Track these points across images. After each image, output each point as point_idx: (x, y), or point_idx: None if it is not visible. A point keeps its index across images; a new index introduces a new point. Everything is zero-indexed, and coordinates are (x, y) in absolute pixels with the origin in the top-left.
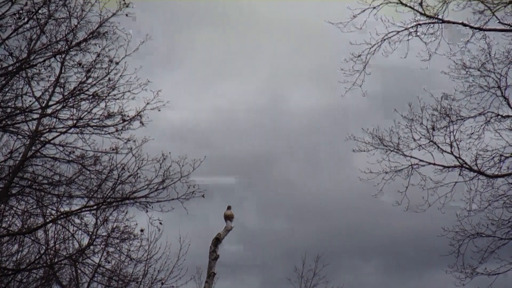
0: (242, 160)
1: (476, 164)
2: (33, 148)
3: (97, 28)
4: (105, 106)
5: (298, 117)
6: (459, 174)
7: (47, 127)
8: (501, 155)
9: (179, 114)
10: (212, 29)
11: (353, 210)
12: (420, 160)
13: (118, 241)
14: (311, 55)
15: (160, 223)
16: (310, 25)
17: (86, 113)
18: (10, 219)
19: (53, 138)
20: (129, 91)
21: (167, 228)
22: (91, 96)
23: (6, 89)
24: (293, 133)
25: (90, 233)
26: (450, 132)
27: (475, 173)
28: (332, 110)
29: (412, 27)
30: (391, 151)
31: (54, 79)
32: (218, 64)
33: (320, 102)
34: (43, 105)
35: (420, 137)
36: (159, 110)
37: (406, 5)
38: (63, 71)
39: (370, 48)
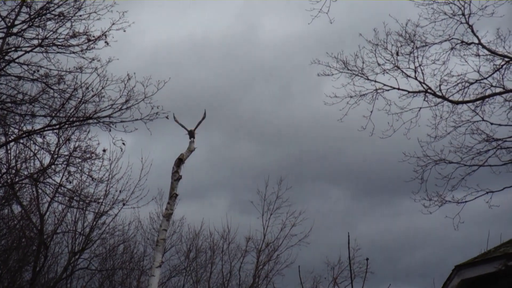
0: (214, 86)
1: (440, 90)
2: None
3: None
4: (71, 26)
5: (271, 45)
6: (424, 100)
7: (11, 46)
8: (465, 82)
9: (153, 39)
10: None
11: (319, 135)
12: (385, 85)
13: (80, 160)
14: None
15: (123, 143)
16: None
17: (51, 32)
18: None
19: (18, 57)
20: (95, 12)
21: (130, 149)
22: (57, 16)
23: None
24: (266, 61)
25: (52, 152)
26: (415, 58)
27: (440, 99)
28: (305, 37)
29: None
30: (356, 75)
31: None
32: None
33: (293, 30)
34: (9, 24)
35: (385, 62)
36: (125, 31)
37: None
38: None
39: None
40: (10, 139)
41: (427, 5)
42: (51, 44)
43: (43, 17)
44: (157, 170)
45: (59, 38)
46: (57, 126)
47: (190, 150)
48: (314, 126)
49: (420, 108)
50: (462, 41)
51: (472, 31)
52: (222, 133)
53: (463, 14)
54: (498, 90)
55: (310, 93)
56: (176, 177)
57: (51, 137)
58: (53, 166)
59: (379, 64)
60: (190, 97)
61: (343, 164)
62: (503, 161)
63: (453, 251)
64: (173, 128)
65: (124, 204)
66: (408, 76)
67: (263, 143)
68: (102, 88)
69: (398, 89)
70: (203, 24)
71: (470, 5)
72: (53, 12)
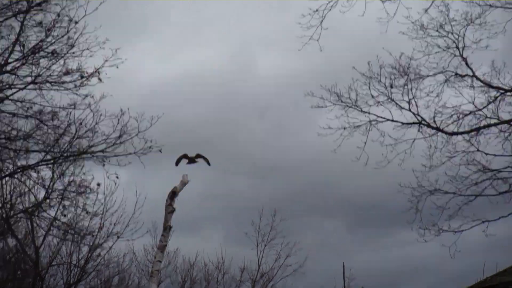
0: (208, 121)
1: (434, 121)
2: None
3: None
4: (64, 63)
5: (266, 81)
6: (418, 131)
7: (5, 84)
8: (460, 113)
9: (149, 77)
10: None
11: (314, 167)
12: (378, 116)
13: (74, 194)
14: (279, 18)
15: (117, 177)
16: None
17: (44, 70)
18: None
19: (11, 94)
20: (87, 49)
21: (124, 183)
22: (50, 54)
23: None
24: (261, 97)
25: (47, 187)
26: (408, 90)
27: (434, 130)
28: (299, 72)
29: None
30: (349, 107)
31: (14, 38)
32: (190, 30)
33: (287, 66)
34: (2, 62)
35: (379, 94)
36: (117, 67)
37: None
38: (23, 30)
39: (327, 3)
40: (5, 174)
41: (421, 39)
42: (44, 81)
43: (36, 54)
44: (151, 203)
45: (52, 75)
46: (52, 161)
47: (184, 183)
48: (308, 158)
49: (414, 139)
50: (456, 74)
51: (466, 63)
52: (217, 167)
53: (457, 47)
54: (493, 121)
55: (305, 126)
56: (169, 210)
57: (46, 172)
58: (47, 200)
59: (373, 96)
60: (184, 133)
61: (337, 196)
62: (499, 191)
63: (450, 280)
64: (167, 162)
65: (118, 237)
66: (402, 108)
67: (258, 177)
68: (96, 123)
69: (392, 120)
70: (198, 61)
71: (464, 38)
72: (46, 50)
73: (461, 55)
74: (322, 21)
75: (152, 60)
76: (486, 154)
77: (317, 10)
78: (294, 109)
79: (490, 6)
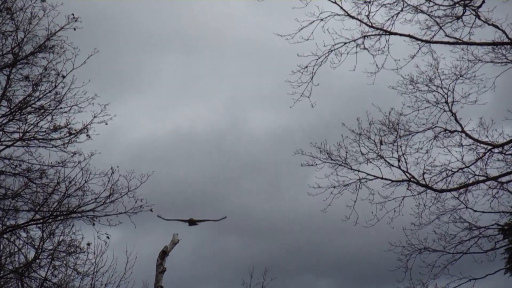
0: (200, 180)
1: (423, 179)
2: None
3: (45, 41)
4: (52, 119)
5: (258, 138)
6: (407, 189)
7: None
8: (448, 170)
9: (139, 134)
10: (177, 53)
11: (304, 226)
12: (368, 174)
13: (64, 254)
14: (269, 73)
15: (107, 237)
16: (265, 43)
17: (32, 126)
18: None
19: None
20: (76, 104)
21: (114, 242)
22: (37, 109)
23: None
24: (253, 155)
25: (36, 247)
26: (398, 147)
27: (423, 188)
28: (290, 129)
29: (359, 38)
30: (339, 165)
31: (0, 93)
32: (181, 87)
33: (278, 122)
34: None
35: (368, 151)
36: (106, 124)
37: (353, 17)
38: (9, 84)
39: (317, 60)
40: None
41: (410, 93)
42: (32, 138)
43: (24, 110)
44: (142, 263)
45: (40, 132)
46: (41, 221)
47: (174, 243)
48: (299, 217)
49: (404, 197)
50: (446, 129)
51: (456, 119)
52: (208, 226)
53: (446, 102)
54: (481, 178)
55: (295, 185)
56: (160, 270)
57: (35, 232)
58: (37, 261)
59: (362, 154)
60: (175, 191)
61: (328, 254)
62: (484, 250)
63: None
64: (158, 221)
65: None
66: (391, 165)
67: (249, 236)
68: (85, 182)
69: (382, 178)
70: (189, 119)
71: (453, 93)
72: (34, 105)
73: (451, 110)
74: (312, 77)
75: (142, 117)
76: (475, 211)
77: (307, 67)
78: (285, 166)
79: (480, 60)
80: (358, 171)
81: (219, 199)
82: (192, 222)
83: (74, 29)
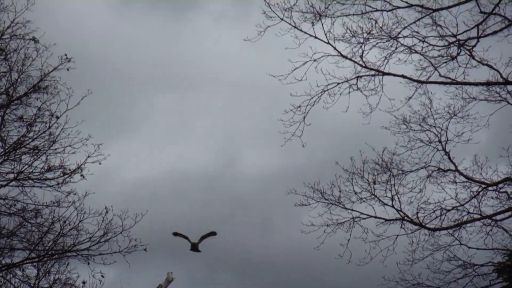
0: (193, 219)
1: (417, 217)
2: None
3: (38, 82)
4: (46, 159)
5: (250, 176)
6: (401, 227)
7: None
8: (442, 208)
9: (133, 174)
10: (170, 93)
11: (297, 264)
12: (361, 213)
13: None
14: (262, 112)
15: (102, 276)
16: (258, 83)
17: (26, 166)
18: None
19: None
20: (70, 145)
21: (109, 281)
22: (32, 150)
23: None
24: (246, 194)
25: (32, 285)
26: (391, 186)
27: (417, 226)
28: (283, 168)
29: (352, 79)
30: (332, 204)
31: None
32: (175, 127)
33: (271, 161)
34: None
35: (362, 191)
36: (100, 164)
37: (346, 58)
38: (3, 125)
39: (310, 99)
40: None
41: (404, 133)
42: (26, 178)
43: (18, 150)
44: None
45: (34, 172)
46: (37, 259)
47: (169, 281)
48: (292, 255)
49: (397, 235)
50: (439, 168)
51: (449, 158)
52: (201, 264)
53: (439, 141)
54: (475, 216)
55: (288, 223)
56: None
57: (31, 270)
58: None
59: (355, 193)
60: (169, 230)
61: None
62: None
63: None
64: (152, 259)
65: None
66: (385, 204)
67: (243, 273)
68: (80, 221)
69: (375, 217)
70: (183, 158)
71: (446, 132)
72: (28, 146)
73: (444, 149)
74: (304, 117)
75: (136, 156)
76: (469, 247)
77: (299, 107)
78: (278, 205)
79: (474, 98)
80: (352, 210)
81: (211, 238)
82: (195, 248)
83: (67, 70)
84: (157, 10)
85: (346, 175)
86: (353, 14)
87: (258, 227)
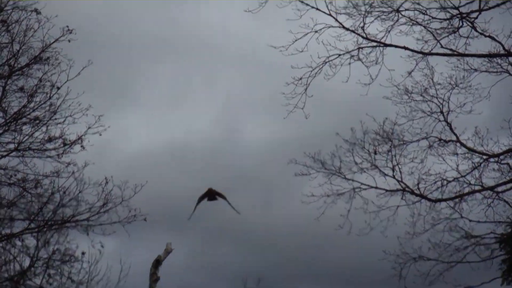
0: (193, 190)
1: (418, 188)
2: None
3: (40, 53)
4: (47, 130)
5: (252, 147)
6: (402, 198)
7: None
8: (443, 179)
9: (133, 145)
10: (171, 63)
11: (297, 235)
12: (362, 184)
13: (59, 263)
14: (263, 83)
15: (102, 246)
16: (259, 54)
17: (27, 137)
18: None
19: None
20: (70, 115)
21: (109, 251)
22: (32, 120)
23: None
24: (247, 164)
25: (32, 255)
26: (392, 156)
27: (418, 197)
28: (284, 139)
29: (354, 50)
30: (333, 174)
31: None
32: (175, 96)
33: (273, 131)
34: None
35: (362, 161)
36: (100, 135)
37: (348, 29)
38: (5, 95)
39: (311, 71)
40: None
41: (405, 103)
42: (27, 149)
43: (19, 121)
44: (136, 272)
45: (35, 142)
46: (36, 230)
47: (168, 252)
48: (293, 226)
49: (398, 206)
50: (440, 139)
51: (451, 128)
52: (201, 237)
53: (441, 112)
54: (476, 187)
55: (289, 194)
56: (154, 278)
57: (30, 241)
58: (33, 269)
59: (356, 163)
60: (169, 201)
61: (322, 263)
62: (481, 258)
63: None
64: (152, 230)
65: None
66: (386, 175)
67: (243, 246)
68: (80, 192)
69: (376, 188)
70: (183, 130)
71: (448, 102)
72: (29, 116)
73: (446, 120)
74: (306, 89)
75: (136, 127)
76: (470, 221)
77: (301, 79)
78: (279, 176)
79: (475, 70)
80: (352, 180)
81: (212, 209)
82: (211, 196)
83: (69, 41)
84: None
85: (347, 146)
86: None
87: (258, 199)
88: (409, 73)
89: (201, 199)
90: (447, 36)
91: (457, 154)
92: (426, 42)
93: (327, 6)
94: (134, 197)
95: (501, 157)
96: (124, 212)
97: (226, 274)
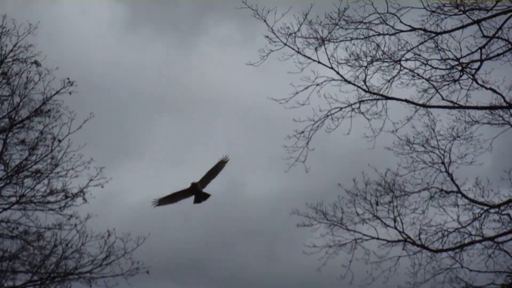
0: (196, 243)
1: (419, 239)
2: None
3: (40, 105)
4: (48, 183)
5: (254, 200)
6: (403, 249)
7: None
8: (444, 230)
9: (136, 198)
10: (171, 117)
11: (300, 285)
12: (364, 235)
13: None
14: (264, 136)
15: None
16: (259, 105)
17: (29, 190)
18: None
19: None
20: (72, 168)
21: None
22: (34, 173)
23: None
24: (250, 217)
25: None
26: (394, 207)
27: (419, 248)
28: (286, 193)
29: (355, 103)
30: (335, 225)
31: None
32: (176, 151)
33: (275, 184)
34: None
35: (364, 212)
36: (102, 187)
37: (350, 82)
38: (6, 148)
39: (313, 125)
40: None
41: (407, 154)
42: (29, 201)
43: (20, 174)
44: None
45: (36, 195)
46: (39, 282)
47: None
48: (294, 277)
49: (399, 257)
50: (442, 190)
51: (452, 179)
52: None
53: (442, 163)
54: (477, 238)
55: (291, 246)
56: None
57: None
58: None
59: (358, 214)
60: (171, 254)
61: None
62: None
63: None
64: (155, 283)
65: None
66: (387, 225)
67: None
68: (82, 244)
69: (377, 238)
70: (184, 183)
71: (450, 153)
72: (30, 169)
73: (447, 171)
74: (308, 142)
75: (138, 180)
76: (470, 270)
77: (303, 132)
78: (281, 228)
79: (477, 122)
80: (354, 231)
81: (215, 262)
82: (198, 197)
83: (70, 93)
84: (162, 35)
85: (349, 197)
86: (356, 38)
87: (262, 250)
88: (408, 120)
89: (182, 194)
90: (447, 85)
91: (458, 205)
92: (426, 91)
93: (328, 59)
94: (136, 250)
95: (502, 207)
96: (127, 264)
97: None
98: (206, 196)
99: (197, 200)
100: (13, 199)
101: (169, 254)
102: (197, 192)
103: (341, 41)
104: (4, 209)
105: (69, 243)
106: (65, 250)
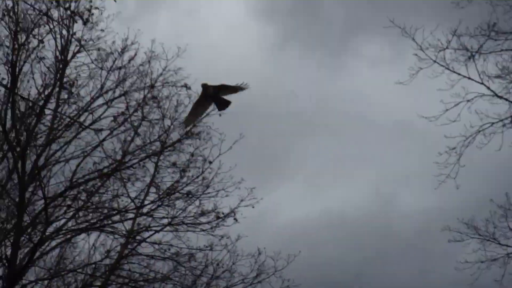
0: (348, 261)
1: None
2: (129, 246)
3: (191, 128)
4: (199, 204)
5: (406, 218)
6: None
7: (142, 226)
8: None
9: (287, 217)
10: (322, 136)
11: None
12: None
13: None
14: (414, 155)
15: None
16: (408, 122)
17: (180, 211)
18: None
19: (148, 237)
20: (223, 189)
21: None
22: (185, 195)
23: (103, 191)
24: (403, 233)
25: None
26: None
27: None
28: (439, 207)
29: (507, 118)
30: (487, 240)
31: (149, 180)
32: (327, 170)
33: (426, 200)
34: (138, 205)
35: None
36: (253, 207)
37: (501, 97)
38: (157, 171)
39: (464, 141)
40: None
41: None
42: (180, 223)
43: (172, 196)
44: None
45: (188, 217)
46: None
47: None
48: None
49: None
50: None
51: None
52: None
53: None
54: None
55: (444, 261)
56: None
57: None
58: None
59: (510, 229)
60: (323, 270)
61: None
62: None
63: None
64: None
65: None
66: None
67: None
68: (233, 263)
69: None
70: (338, 201)
71: None
72: (181, 192)
73: None
74: (459, 158)
75: (289, 199)
76: None
77: (454, 148)
78: (432, 244)
79: None
80: (507, 246)
81: (366, 277)
82: (220, 103)
83: (220, 115)
84: (311, 55)
85: (501, 211)
86: (507, 50)
87: (415, 266)
88: None
89: (198, 104)
90: None
91: None
92: None
93: (479, 75)
94: (287, 268)
95: None
96: (277, 282)
97: None
98: (226, 102)
99: (221, 107)
100: (165, 221)
101: (319, 272)
102: (212, 97)
103: (490, 52)
104: (157, 231)
105: (220, 263)
106: (216, 270)
